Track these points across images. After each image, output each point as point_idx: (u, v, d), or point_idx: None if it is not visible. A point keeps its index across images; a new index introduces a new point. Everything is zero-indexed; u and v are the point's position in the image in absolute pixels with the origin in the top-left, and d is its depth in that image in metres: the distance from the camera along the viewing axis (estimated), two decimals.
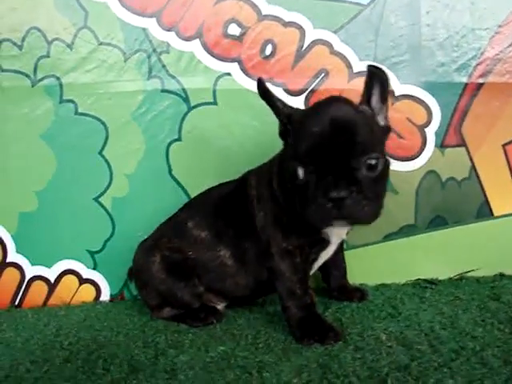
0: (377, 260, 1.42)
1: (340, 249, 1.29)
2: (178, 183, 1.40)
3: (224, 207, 1.22)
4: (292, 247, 1.11)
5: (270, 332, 1.14)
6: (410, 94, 1.37)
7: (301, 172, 0.97)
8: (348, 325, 1.14)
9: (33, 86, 1.35)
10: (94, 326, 1.24)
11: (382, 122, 1.05)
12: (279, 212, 1.11)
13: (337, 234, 1.15)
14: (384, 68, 1.31)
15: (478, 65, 1.36)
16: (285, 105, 1.07)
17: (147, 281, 1.24)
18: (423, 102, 1.37)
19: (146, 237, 1.30)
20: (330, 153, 0.93)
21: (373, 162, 0.96)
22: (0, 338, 1.20)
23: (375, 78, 1.04)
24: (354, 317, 1.19)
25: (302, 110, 1.08)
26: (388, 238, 1.42)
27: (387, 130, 1.07)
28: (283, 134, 1.08)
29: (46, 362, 1.04)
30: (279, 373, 0.94)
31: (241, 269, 1.20)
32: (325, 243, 1.15)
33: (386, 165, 1.00)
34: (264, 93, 1.06)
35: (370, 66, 1.04)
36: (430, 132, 1.38)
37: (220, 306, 1.27)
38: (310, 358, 0.99)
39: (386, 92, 1.05)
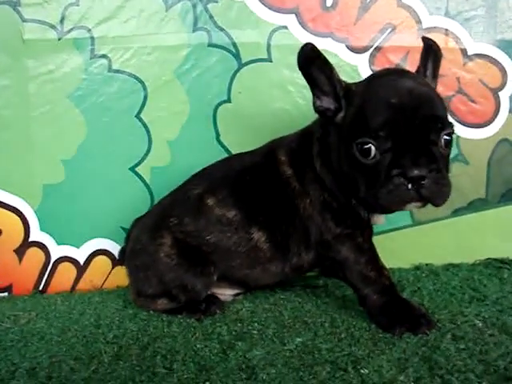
0: (444, 237, 1.33)
1: None
2: (227, 151, 1.29)
3: (252, 183, 1.09)
4: (347, 231, 1.02)
5: (347, 319, 1.02)
6: (484, 53, 1.29)
7: (373, 149, 0.88)
8: (433, 310, 1.03)
9: (59, 39, 1.23)
10: (138, 314, 1.10)
11: None
12: (327, 196, 1.02)
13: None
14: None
15: None
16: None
17: (149, 265, 1.10)
18: (498, 62, 1.29)
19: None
20: (411, 127, 0.87)
21: (449, 137, 0.91)
22: (31, 329, 1.07)
23: (430, 51, 1.00)
24: (435, 300, 1.09)
25: (366, 82, 0.98)
26: (457, 213, 1.33)
27: None
28: (333, 111, 0.97)
29: (93, 359, 0.91)
30: (378, 369, 0.82)
31: (278, 254, 1.07)
32: (371, 231, 1.06)
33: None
34: (315, 59, 0.94)
35: (425, 39, 1.00)
36: (505, 96, 1.31)
37: (225, 296, 1.16)
38: (406, 350, 0.88)
39: (438, 68, 1.01)
